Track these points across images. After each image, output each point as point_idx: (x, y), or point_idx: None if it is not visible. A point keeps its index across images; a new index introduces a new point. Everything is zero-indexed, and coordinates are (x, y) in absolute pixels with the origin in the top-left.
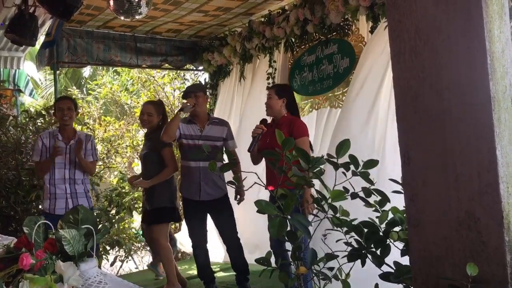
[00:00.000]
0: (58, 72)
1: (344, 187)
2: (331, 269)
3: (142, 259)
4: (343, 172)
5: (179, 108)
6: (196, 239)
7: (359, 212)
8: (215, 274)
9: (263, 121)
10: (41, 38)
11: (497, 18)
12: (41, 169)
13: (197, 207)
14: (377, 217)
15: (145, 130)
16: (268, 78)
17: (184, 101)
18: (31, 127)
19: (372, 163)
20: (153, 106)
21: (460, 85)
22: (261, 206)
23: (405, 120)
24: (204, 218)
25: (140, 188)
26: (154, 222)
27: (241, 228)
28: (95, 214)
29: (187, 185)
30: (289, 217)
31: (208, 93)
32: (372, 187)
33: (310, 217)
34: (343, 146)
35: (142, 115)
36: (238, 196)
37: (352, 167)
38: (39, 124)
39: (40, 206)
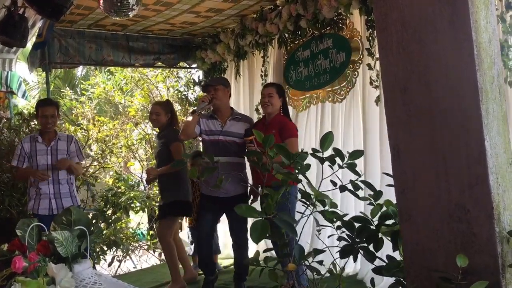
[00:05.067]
0: (49, 72)
1: (331, 181)
2: (320, 262)
3: (140, 259)
4: (329, 165)
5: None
6: (203, 231)
7: (350, 204)
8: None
9: (247, 132)
10: (33, 39)
11: (483, 8)
12: (19, 176)
13: (214, 202)
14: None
15: (157, 130)
16: (262, 76)
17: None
18: (24, 129)
19: (357, 154)
20: (160, 106)
21: (448, 76)
22: (241, 211)
23: (394, 113)
24: (218, 214)
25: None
26: (162, 217)
27: None
28: (88, 214)
29: (206, 181)
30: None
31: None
32: (360, 179)
33: (298, 215)
34: (326, 139)
35: (151, 115)
36: (252, 197)
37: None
38: (32, 126)
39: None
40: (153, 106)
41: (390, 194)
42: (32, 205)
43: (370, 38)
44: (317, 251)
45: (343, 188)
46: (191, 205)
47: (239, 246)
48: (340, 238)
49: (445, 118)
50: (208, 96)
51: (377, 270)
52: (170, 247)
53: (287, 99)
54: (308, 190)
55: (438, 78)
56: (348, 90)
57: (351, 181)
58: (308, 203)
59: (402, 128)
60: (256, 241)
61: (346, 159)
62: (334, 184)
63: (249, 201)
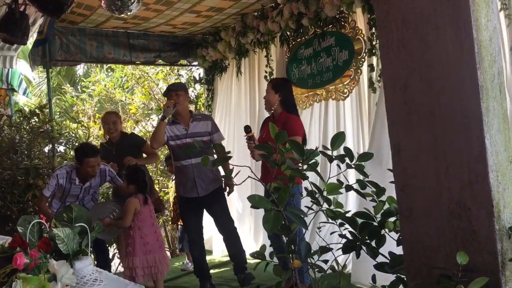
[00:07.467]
0: (51, 70)
1: (338, 180)
2: (326, 261)
3: None
4: (337, 165)
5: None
6: (192, 235)
7: (354, 203)
8: (213, 270)
9: (247, 129)
10: (34, 36)
11: (484, 6)
12: (40, 208)
13: (193, 203)
14: (373, 206)
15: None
16: (266, 75)
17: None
18: (25, 126)
19: (366, 156)
20: (115, 115)
21: (449, 74)
22: (254, 201)
23: (395, 111)
24: (200, 214)
25: None
26: None
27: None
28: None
29: (183, 184)
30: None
31: (204, 89)
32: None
33: (305, 210)
34: (338, 138)
35: (108, 124)
36: (228, 188)
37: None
38: (33, 123)
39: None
40: (108, 115)
41: (393, 191)
42: None
43: (373, 37)
44: (323, 249)
45: (349, 188)
46: None
47: (231, 237)
48: (341, 235)
49: (445, 115)
50: (171, 102)
51: (380, 267)
52: None
53: None
54: (314, 187)
55: (438, 75)
56: (351, 88)
57: (358, 180)
58: (315, 200)
59: (403, 126)
60: (269, 231)
61: (355, 159)
62: (341, 183)
63: (226, 193)
